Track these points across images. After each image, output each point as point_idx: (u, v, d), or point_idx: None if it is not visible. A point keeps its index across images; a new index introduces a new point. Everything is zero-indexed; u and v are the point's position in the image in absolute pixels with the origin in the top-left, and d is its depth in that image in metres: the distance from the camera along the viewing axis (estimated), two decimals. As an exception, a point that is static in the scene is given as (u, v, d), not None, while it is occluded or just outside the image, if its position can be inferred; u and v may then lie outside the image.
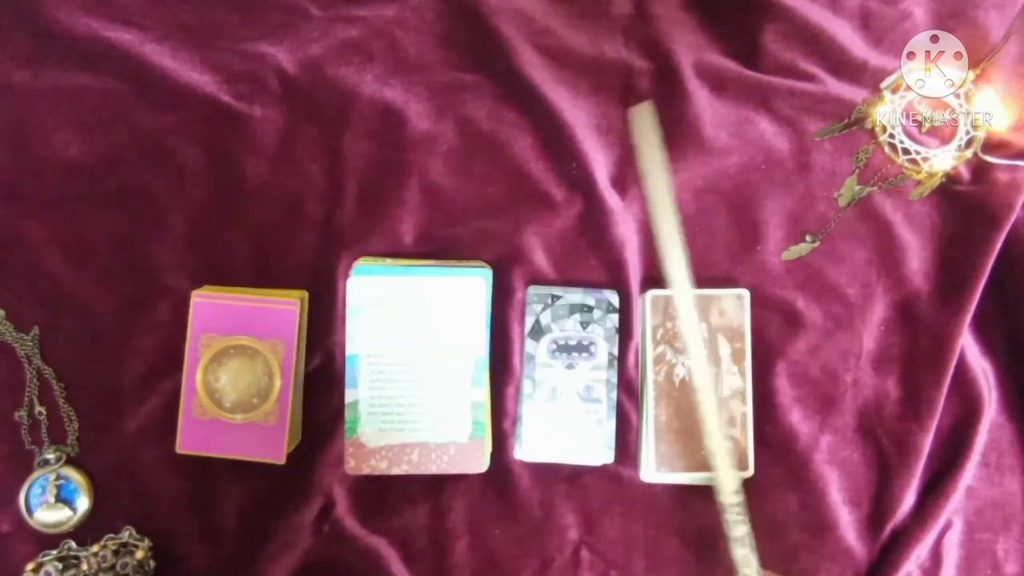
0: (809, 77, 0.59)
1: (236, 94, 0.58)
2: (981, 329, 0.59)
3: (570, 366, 0.56)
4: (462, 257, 0.58)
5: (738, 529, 0.50)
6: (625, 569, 0.57)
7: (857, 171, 0.59)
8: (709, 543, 0.57)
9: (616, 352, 0.56)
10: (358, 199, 0.58)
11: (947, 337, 0.57)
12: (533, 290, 0.57)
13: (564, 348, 0.56)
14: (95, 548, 0.55)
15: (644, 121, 0.51)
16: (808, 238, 0.59)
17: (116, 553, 0.55)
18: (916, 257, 0.59)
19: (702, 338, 0.52)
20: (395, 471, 0.55)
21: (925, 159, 0.58)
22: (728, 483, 0.50)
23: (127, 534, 0.56)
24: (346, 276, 0.56)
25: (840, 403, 0.58)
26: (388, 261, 0.57)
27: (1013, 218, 0.57)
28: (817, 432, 0.58)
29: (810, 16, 0.58)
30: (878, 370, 0.58)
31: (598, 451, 0.56)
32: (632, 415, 0.58)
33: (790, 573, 0.56)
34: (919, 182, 0.59)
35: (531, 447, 0.56)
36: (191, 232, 0.57)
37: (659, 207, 0.50)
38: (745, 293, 0.56)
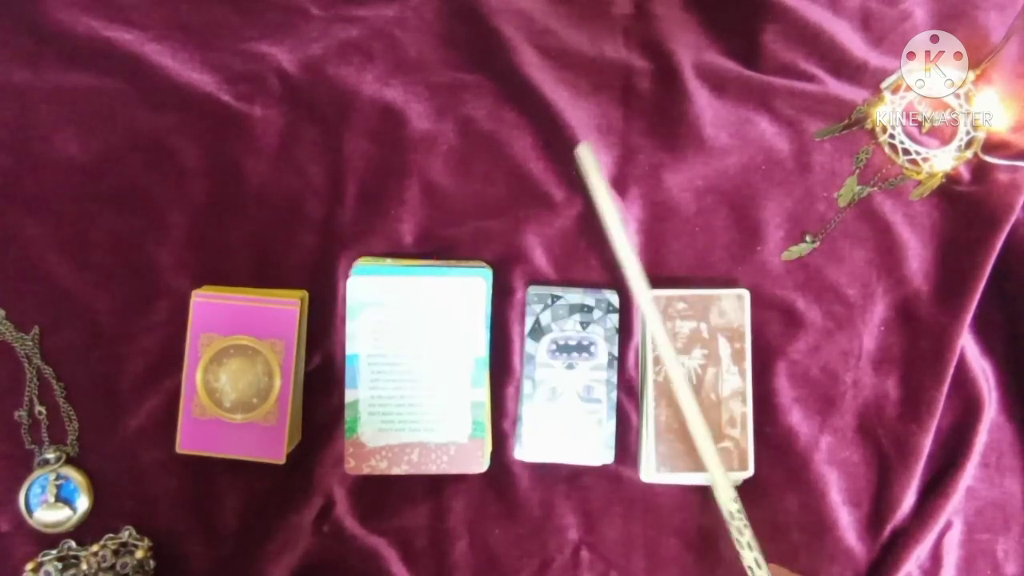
0: (809, 77, 0.59)
1: (236, 94, 0.58)
2: (981, 329, 0.59)
3: (570, 366, 0.56)
4: (462, 257, 0.58)
5: (745, 534, 0.50)
6: (625, 569, 0.57)
7: (857, 171, 0.59)
8: (709, 543, 0.57)
9: (616, 352, 0.56)
10: (358, 199, 0.58)
11: (947, 337, 0.57)
12: (533, 290, 0.57)
13: (564, 348, 0.56)
14: (95, 548, 0.55)
15: (589, 159, 0.53)
16: (808, 238, 0.59)
17: (116, 553, 0.55)
18: (916, 257, 0.59)
19: (676, 355, 0.53)
20: (395, 471, 0.55)
21: (925, 159, 0.58)
22: (726, 492, 0.51)
23: (127, 534, 0.56)
24: (346, 276, 0.56)
25: (840, 403, 0.58)
26: (388, 261, 0.57)
27: (1013, 218, 0.57)
28: (817, 432, 0.58)
29: (810, 16, 0.58)
30: (878, 370, 0.58)
31: (598, 451, 0.56)
32: (632, 415, 0.58)
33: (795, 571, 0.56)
34: (919, 182, 0.59)
35: (531, 447, 0.56)
36: (191, 232, 0.57)
37: (615, 232, 0.52)
38: (745, 293, 0.56)
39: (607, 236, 0.53)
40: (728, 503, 0.51)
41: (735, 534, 0.50)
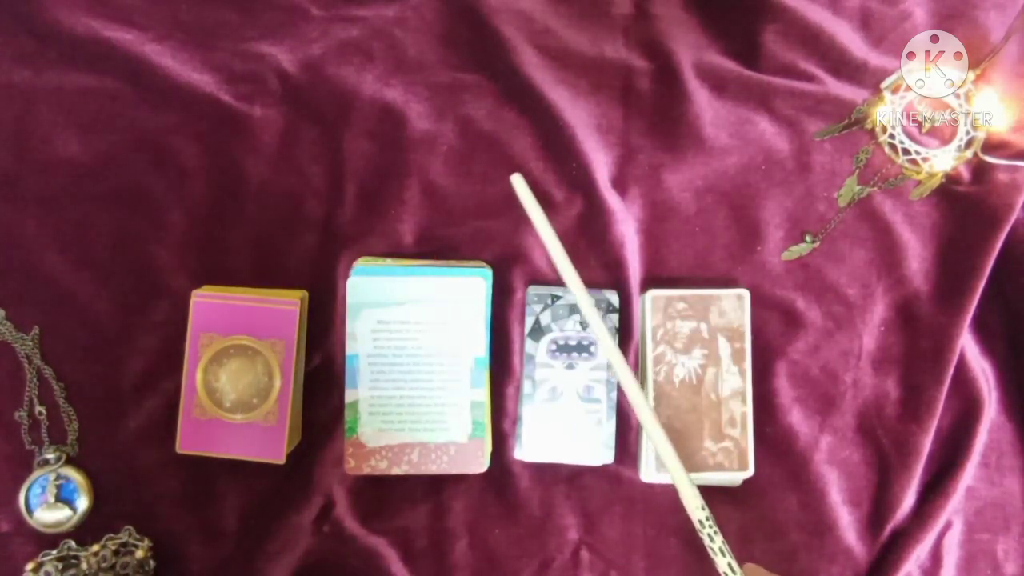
0: (809, 77, 0.59)
1: (236, 94, 0.58)
2: (981, 329, 0.59)
3: (570, 366, 0.56)
4: (462, 257, 0.58)
5: (716, 541, 0.49)
6: (625, 569, 0.57)
7: (857, 171, 0.59)
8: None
9: (616, 352, 0.56)
10: (358, 199, 0.58)
11: (947, 337, 0.57)
12: (533, 290, 0.57)
13: (564, 348, 0.56)
14: (95, 548, 0.55)
15: (522, 189, 0.55)
16: (808, 238, 0.59)
17: (116, 553, 0.55)
18: (916, 257, 0.59)
19: (620, 355, 0.54)
20: (395, 471, 0.55)
21: (925, 159, 0.58)
22: (694, 500, 0.50)
23: (127, 534, 0.56)
24: (346, 276, 0.56)
25: (840, 403, 0.58)
26: (388, 261, 0.57)
27: (1013, 218, 0.57)
28: (817, 432, 0.58)
29: (810, 16, 0.58)
30: (878, 370, 0.58)
31: (598, 451, 0.56)
32: (632, 415, 0.58)
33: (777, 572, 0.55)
34: (919, 182, 0.59)
35: (531, 447, 0.56)
36: (191, 232, 0.57)
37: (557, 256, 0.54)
38: (745, 293, 0.56)
39: (553, 261, 0.55)
40: (696, 511, 0.50)
41: (707, 541, 0.50)
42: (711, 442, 0.55)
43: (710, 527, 0.50)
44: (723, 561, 0.49)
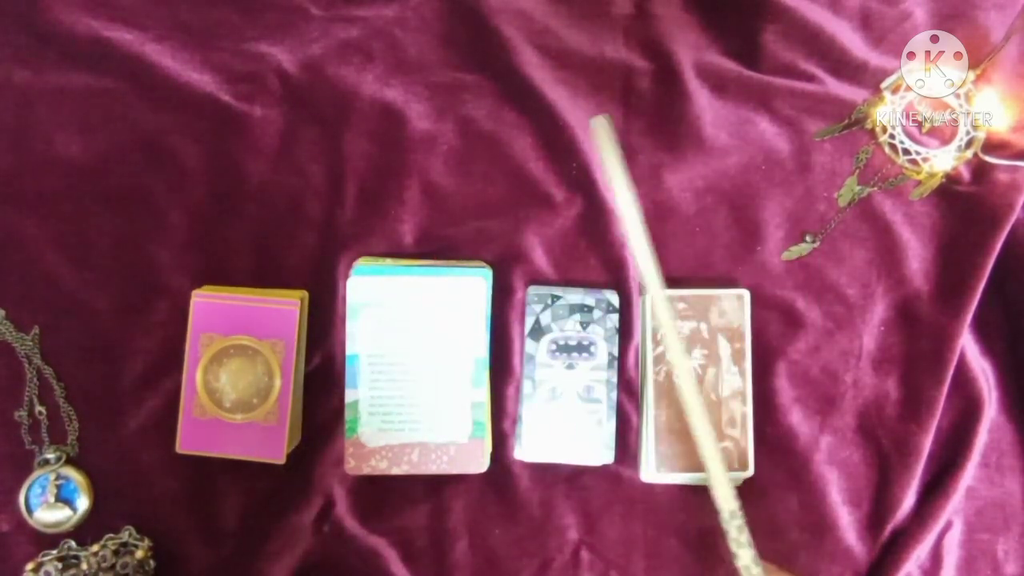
0: (809, 77, 0.59)
1: (236, 94, 0.58)
2: (981, 329, 0.59)
3: (570, 366, 0.56)
4: (462, 257, 0.58)
5: (744, 554, 0.47)
6: (625, 569, 0.57)
7: (857, 171, 0.59)
8: (709, 543, 0.57)
9: (616, 352, 0.56)
10: (358, 199, 0.58)
11: (947, 337, 0.57)
12: (533, 290, 0.57)
13: (564, 348, 0.56)
14: (95, 548, 0.55)
15: (604, 131, 0.47)
16: (808, 238, 0.59)
17: (116, 553, 0.55)
18: (916, 257, 0.59)
19: (683, 346, 0.49)
20: (395, 471, 0.55)
21: (925, 159, 0.58)
22: (727, 501, 0.47)
23: (127, 534, 0.56)
24: (346, 276, 0.56)
25: (840, 403, 0.58)
26: (388, 261, 0.57)
27: (1013, 218, 0.57)
28: (817, 432, 0.58)
29: (810, 16, 0.58)
30: (878, 370, 0.58)
31: (598, 451, 0.56)
32: (632, 415, 0.58)
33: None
34: (919, 182, 0.59)
35: (531, 447, 0.56)
36: (191, 232, 0.57)
37: (627, 215, 0.47)
38: (745, 293, 0.56)
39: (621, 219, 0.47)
40: (729, 502, 0.48)
41: (734, 533, 0.48)
42: (711, 442, 0.55)
43: (740, 518, 0.47)
44: (747, 554, 0.47)
